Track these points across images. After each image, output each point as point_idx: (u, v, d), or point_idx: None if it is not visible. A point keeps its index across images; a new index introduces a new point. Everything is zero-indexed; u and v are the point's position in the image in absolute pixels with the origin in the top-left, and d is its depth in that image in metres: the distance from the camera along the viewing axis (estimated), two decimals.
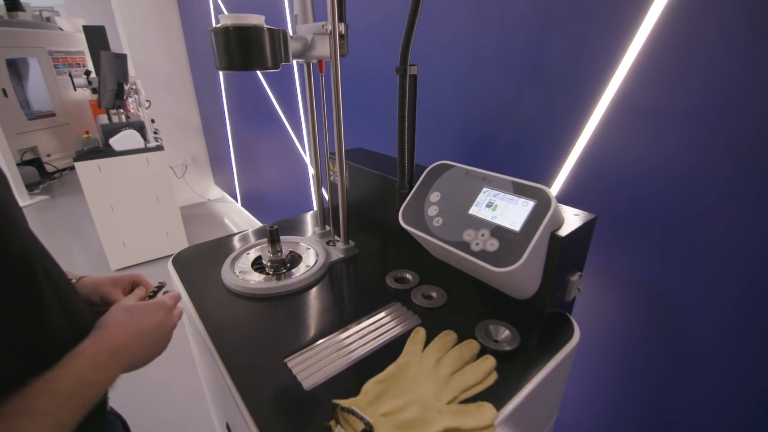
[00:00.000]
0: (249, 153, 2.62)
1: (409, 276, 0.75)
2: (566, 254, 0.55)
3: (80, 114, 4.66)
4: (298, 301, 0.70)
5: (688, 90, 0.60)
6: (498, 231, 0.54)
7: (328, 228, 0.94)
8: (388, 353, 0.56)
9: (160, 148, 2.39)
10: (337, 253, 0.84)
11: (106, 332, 0.42)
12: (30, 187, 3.90)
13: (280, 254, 0.78)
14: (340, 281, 0.77)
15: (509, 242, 0.52)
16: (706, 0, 0.56)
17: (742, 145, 0.56)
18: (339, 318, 0.65)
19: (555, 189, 0.81)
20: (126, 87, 2.30)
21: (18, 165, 3.80)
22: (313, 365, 0.54)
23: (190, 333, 0.80)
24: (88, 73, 2.59)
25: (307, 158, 1.85)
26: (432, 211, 0.63)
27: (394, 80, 0.67)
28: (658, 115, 0.64)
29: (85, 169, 2.18)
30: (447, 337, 0.57)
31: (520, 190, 0.55)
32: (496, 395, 0.49)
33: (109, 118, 2.46)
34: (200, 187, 3.60)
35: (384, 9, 1.11)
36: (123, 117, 2.52)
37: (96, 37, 2.62)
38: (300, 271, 0.76)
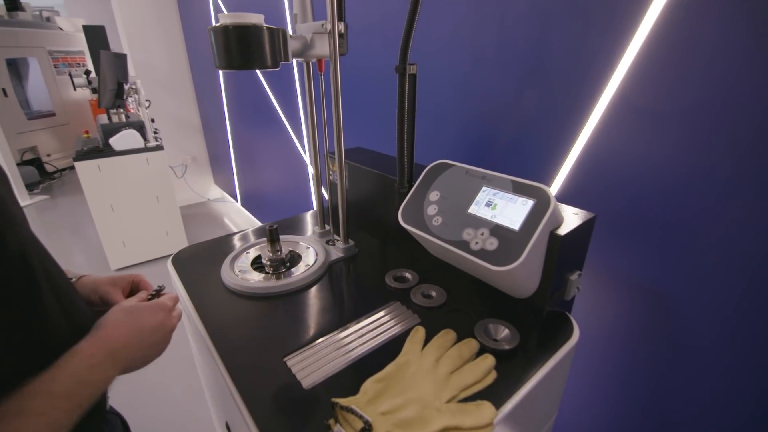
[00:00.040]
0: (249, 153, 2.62)
1: (408, 275, 0.75)
2: (565, 253, 0.55)
3: (80, 114, 4.66)
4: (298, 300, 0.70)
5: (687, 90, 0.60)
6: (497, 230, 0.54)
7: (327, 227, 0.94)
8: (387, 352, 0.56)
9: (160, 147, 2.39)
10: (336, 252, 0.84)
11: (104, 332, 0.42)
12: (30, 187, 3.90)
13: (279, 253, 0.78)
14: (339, 280, 0.77)
15: (508, 241, 0.52)
16: (706, 0, 0.56)
17: (742, 145, 0.56)
18: (338, 317, 0.65)
19: (554, 188, 0.81)
20: (126, 87, 2.30)
21: (18, 165, 3.80)
22: (313, 364, 0.54)
23: (189, 332, 0.80)
24: (88, 72, 2.59)
25: (306, 158, 1.85)
26: (431, 210, 0.63)
27: (394, 80, 0.67)
28: (657, 115, 0.64)
29: (85, 168, 2.18)
30: (446, 336, 0.57)
31: (519, 189, 0.55)
32: (495, 394, 0.49)
33: (109, 118, 2.46)
34: (200, 186, 3.60)
35: (384, 9, 1.11)
36: (123, 117, 2.52)
37: (96, 36, 2.62)
38: (299, 271, 0.76)
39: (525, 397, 0.50)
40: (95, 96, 2.41)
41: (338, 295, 0.72)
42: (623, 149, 0.69)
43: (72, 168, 4.10)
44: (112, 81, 2.21)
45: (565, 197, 0.80)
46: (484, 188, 0.59)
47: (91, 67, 2.98)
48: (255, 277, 0.75)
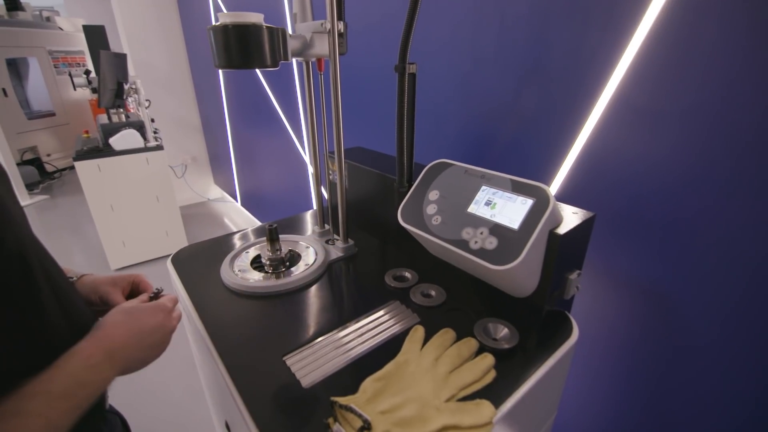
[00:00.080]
0: (249, 152, 2.62)
1: (408, 274, 0.75)
2: (565, 252, 0.55)
3: (80, 114, 4.66)
4: (297, 299, 0.70)
5: (686, 89, 0.60)
6: (496, 229, 0.54)
7: (327, 227, 0.94)
8: (386, 351, 0.56)
9: (159, 147, 2.39)
10: (336, 251, 0.85)
11: (102, 333, 0.42)
12: (30, 187, 3.90)
13: (279, 253, 0.78)
14: (339, 280, 0.77)
15: (508, 240, 0.52)
16: None
17: (741, 144, 0.56)
18: (338, 316, 0.65)
19: (554, 188, 0.81)
20: (126, 86, 2.30)
21: (18, 165, 3.80)
22: (312, 363, 0.54)
23: (189, 331, 0.80)
24: (87, 72, 2.59)
25: (306, 157, 1.85)
26: (431, 209, 0.63)
27: (394, 79, 0.67)
28: (657, 115, 0.64)
29: (84, 168, 2.18)
30: (446, 335, 0.57)
31: (518, 189, 0.55)
32: (494, 393, 0.49)
33: (109, 118, 2.46)
34: (200, 186, 3.60)
35: (383, 9, 1.11)
36: (123, 116, 2.52)
37: (96, 36, 2.62)
38: (299, 270, 0.76)
39: (524, 396, 0.50)
40: (95, 96, 2.41)
41: (338, 295, 0.72)
42: (622, 149, 0.69)
43: (72, 168, 4.10)
44: (112, 81, 2.21)
45: (565, 197, 0.80)
46: (483, 187, 0.59)
47: (91, 66, 2.98)
48: (254, 277, 0.75)
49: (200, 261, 0.83)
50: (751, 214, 0.57)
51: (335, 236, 0.89)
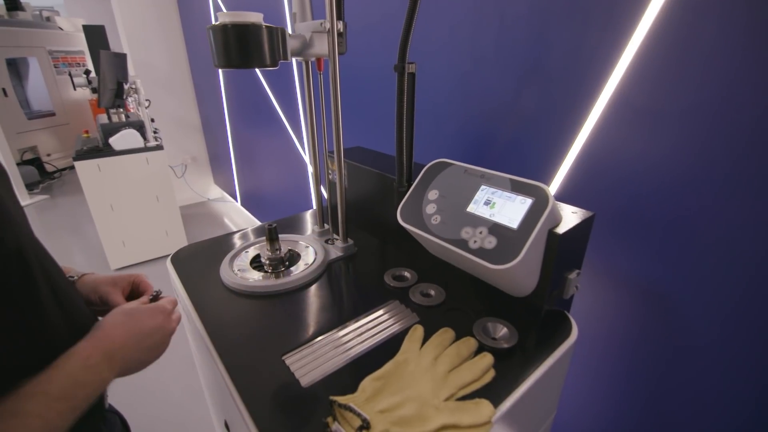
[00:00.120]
0: (249, 152, 2.62)
1: (407, 274, 0.75)
2: (564, 252, 0.55)
3: (80, 113, 4.66)
4: (297, 299, 0.70)
5: (685, 89, 0.60)
6: (496, 228, 0.54)
7: (326, 226, 0.94)
8: (386, 351, 0.56)
9: (159, 147, 2.39)
10: (335, 251, 0.85)
11: (101, 334, 0.42)
12: (30, 187, 3.90)
13: (278, 252, 0.78)
14: (338, 279, 0.77)
15: (507, 239, 0.52)
16: None
17: (741, 144, 0.56)
18: (337, 316, 0.65)
19: (553, 187, 0.81)
20: (126, 86, 2.30)
21: (18, 164, 3.80)
22: (311, 362, 0.54)
23: (188, 331, 0.80)
24: (87, 72, 2.59)
25: (306, 157, 1.86)
26: (430, 209, 0.63)
27: (394, 79, 0.67)
28: (656, 114, 0.64)
29: (84, 168, 2.18)
30: (445, 334, 0.57)
31: (517, 188, 0.55)
32: (493, 392, 0.49)
33: (109, 118, 2.46)
34: (200, 186, 3.60)
35: (383, 9, 1.11)
36: (123, 116, 2.52)
37: (96, 36, 2.62)
38: (298, 270, 0.76)
39: (523, 396, 0.50)
40: (95, 96, 2.41)
41: (337, 294, 0.72)
42: (622, 148, 0.69)
43: (72, 168, 4.10)
44: (112, 81, 2.21)
45: (564, 196, 0.80)
46: (482, 187, 0.59)
47: (91, 66, 2.98)
48: (254, 276, 0.75)
49: (200, 261, 0.83)
50: (750, 214, 0.57)
51: (335, 236, 0.89)
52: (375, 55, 1.19)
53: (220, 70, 2.64)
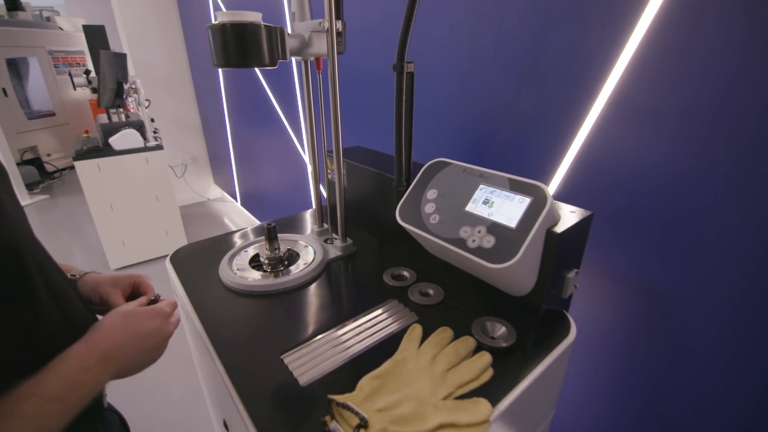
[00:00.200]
0: (248, 152, 2.62)
1: (406, 273, 0.75)
2: (562, 251, 0.55)
3: (80, 113, 4.66)
4: (296, 298, 0.70)
5: (685, 88, 0.60)
6: (494, 228, 0.54)
7: (326, 226, 0.94)
8: (384, 350, 0.56)
9: (159, 147, 2.39)
10: (334, 250, 0.85)
11: (97, 335, 0.42)
12: (30, 187, 3.91)
13: (277, 252, 0.78)
14: (337, 279, 0.77)
15: (505, 239, 0.52)
16: None
17: (741, 143, 0.56)
18: (336, 315, 0.65)
19: (553, 187, 0.81)
20: (126, 86, 2.30)
21: (18, 164, 3.80)
22: (310, 361, 0.54)
23: (187, 330, 0.80)
24: (87, 72, 2.59)
25: (306, 157, 1.86)
26: (429, 208, 0.63)
27: (393, 79, 0.67)
28: (656, 113, 0.64)
29: (84, 168, 2.18)
30: (443, 333, 0.57)
31: (516, 187, 0.55)
32: (491, 391, 0.49)
33: (109, 118, 2.46)
34: (200, 186, 3.60)
35: (383, 9, 1.11)
36: (123, 116, 2.52)
37: (96, 36, 2.62)
38: (297, 269, 0.76)
39: (521, 395, 0.50)
40: (95, 96, 2.41)
41: (336, 293, 0.73)
42: (621, 148, 0.69)
43: (72, 168, 4.10)
44: (112, 81, 2.21)
45: (564, 196, 0.80)
46: (481, 186, 0.59)
47: (91, 66, 2.98)
48: (253, 276, 0.75)
49: (199, 260, 0.83)
50: (750, 214, 0.57)
51: (334, 235, 0.89)
52: (375, 55, 1.19)
53: (219, 70, 2.64)
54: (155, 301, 0.55)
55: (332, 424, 0.43)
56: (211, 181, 3.71)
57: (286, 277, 0.74)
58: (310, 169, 1.65)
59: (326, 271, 0.79)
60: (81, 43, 4.45)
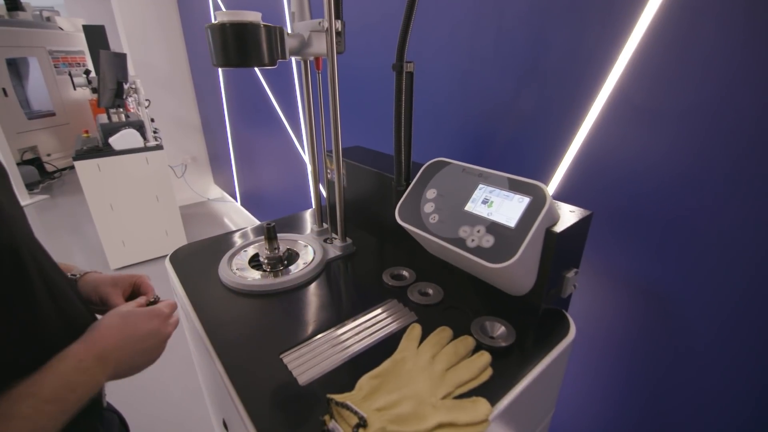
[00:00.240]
0: (248, 152, 2.62)
1: (405, 273, 0.75)
2: (562, 250, 0.55)
3: (80, 113, 4.66)
4: (295, 297, 0.70)
5: (685, 88, 0.60)
6: (493, 227, 0.54)
7: (325, 225, 0.94)
8: (383, 349, 0.56)
9: (159, 147, 2.39)
10: (334, 250, 0.85)
11: (95, 336, 0.42)
12: (30, 187, 3.91)
13: (277, 251, 0.78)
14: (337, 278, 0.77)
15: (504, 238, 0.52)
16: None
17: (741, 143, 0.56)
18: (335, 314, 0.65)
19: (552, 186, 0.81)
20: (125, 86, 2.30)
21: (18, 164, 3.80)
22: (309, 361, 0.54)
23: (187, 330, 0.80)
24: (87, 72, 2.59)
25: (306, 157, 1.86)
26: (428, 207, 0.63)
27: (393, 79, 0.67)
28: (655, 113, 0.64)
29: (84, 168, 2.18)
30: (442, 333, 0.57)
31: (515, 187, 0.55)
32: (491, 391, 0.49)
33: (109, 118, 2.46)
34: (200, 186, 3.60)
35: (383, 9, 1.11)
36: (122, 116, 2.52)
37: (96, 36, 2.62)
38: (297, 268, 0.76)
39: (520, 394, 0.50)
40: (95, 96, 2.41)
41: (335, 293, 0.73)
42: (621, 147, 0.69)
43: (72, 168, 4.10)
44: (112, 80, 2.21)
45: (563, 195, 0.80)
46: (480, 186, 0.59)
47: (91, 66, 2.98)
48: (252, 275, 0.75)
49: (198, 259, 0.83)
50: (750, 214, 0.57)
51: (333, 235, 0.89)
52: (374, 55, 1.19)
53: (219, 70, 2.64)
54: (154, 302, 0.54)
55: (331, 424, 0.43)
56: (211, 181, 3.71)
57: (286, 276, 0.74)
58: (309, 168, 1.65)
59: (326, 270, 0.79)
60: (81, 43, 4.45)
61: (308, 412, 0.47)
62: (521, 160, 0.86)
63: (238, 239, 0.91)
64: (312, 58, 0.75)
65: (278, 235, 0.79)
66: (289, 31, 0.67)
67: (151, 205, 2.47)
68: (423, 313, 0.65)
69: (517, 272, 0.53)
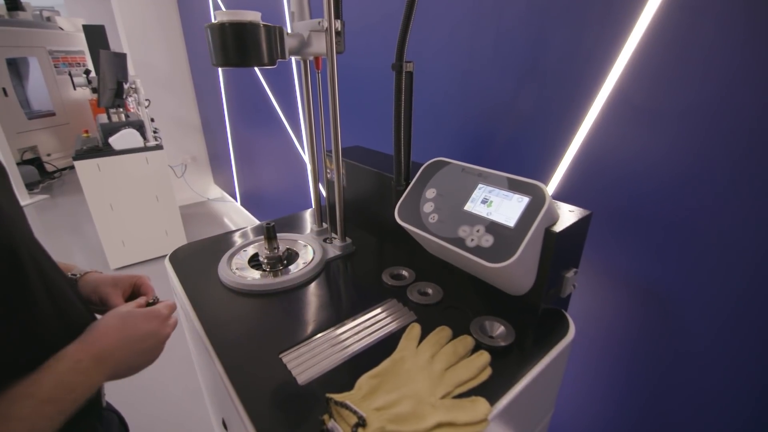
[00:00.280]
0: (248, 152, 2.62)
1: (405, 273, 0.75)
2: (561, 250, 0.55)
3: (80, 113, 4.66)
4: (295, 297, 0.70)
5: (684, 88, 0.60)
6: (493, 227, 0.54)
7: (325, 225, 0.94)
8: (383, 349, 0.56)
9: (159, 147, 2.39)
10: (334, 250, 0.85)
11: (93, 336, 0.42)
12: (30, 187, 3.90)
13: (276, 251, 0.78)
14: (336, 278, 0.77)
15: (504, 238, 0.52)
16: None
17: (741, 143, 0.56)
18: (335, 314, 0.65)
19: (552, 186, 0.81)
20: (125, 86, 2.30)
21: (18, 164, 3.80)
22: (308, 360, 0.54)
23: (186, 330, 0.80)
24: (87, 72, 2.59)
25: (306, 156, 1.86)
26: (428, 207, 0.63)
27: (393, 79, 0.67)
28: (655, 113, 0.64)
29: (84, 168, 2.18)
30: (442, 332, 0.57)
31: (515, 187, 0.55)
32: (490, 390, 0.49)
33: (109, 117, 2.46)
34: (200, 186, 3.60)
35: (383, 9, 1.11)
36: (122, 116, 2.52)
37: (96, 36, 2.62)
38: (297, 268, 0.76)
39: (520, 394, 0.50)
40: (95, 95, 2.41)
41: (335, 293, 0.72)
42: (621, 147, 0.69)
43: (72, 167, 4.10)
44: (112, 80, 2.21)
45: (563, 195, 0.80)
46: (480, 185, 0.59)
47: (91, 66, 2.98)
48: (252, 275, 0.75)
49: (198, 259, 0.83)
50: (750, 214, 0.57)
51: (333, 235, 0.89)
52: (375, 56, 1.19)
53: (219, 70, 2.64)
54: (154, 303, 0.54)
55: (330, 423, 0.43)
56: (210, 181, 3.71)
57: (285, 276, 0.74)
58: (309, 168, 1.66)
59: (325, 270, 0.79)
60: (81, 43, 4.45)
61: (307, 411, 0.47)
62: (521, 159, 0.86)
63: (237, 239, 0.91)
64: (312, 58, 0.75)
65: (278, 234, 0.79)
66: (289, 31, 0.67)
67: (151, 205, 2.47)
68: (422, 312, 0.65)
69: (517, 272, 0.53)
